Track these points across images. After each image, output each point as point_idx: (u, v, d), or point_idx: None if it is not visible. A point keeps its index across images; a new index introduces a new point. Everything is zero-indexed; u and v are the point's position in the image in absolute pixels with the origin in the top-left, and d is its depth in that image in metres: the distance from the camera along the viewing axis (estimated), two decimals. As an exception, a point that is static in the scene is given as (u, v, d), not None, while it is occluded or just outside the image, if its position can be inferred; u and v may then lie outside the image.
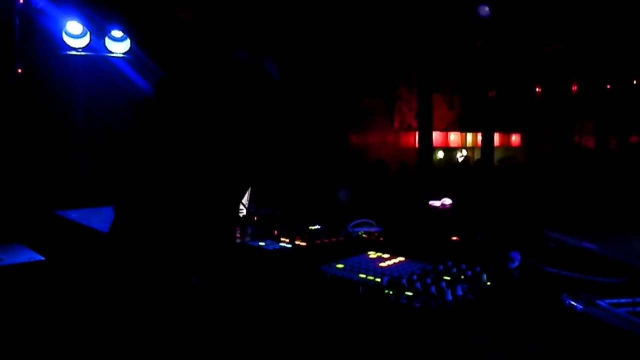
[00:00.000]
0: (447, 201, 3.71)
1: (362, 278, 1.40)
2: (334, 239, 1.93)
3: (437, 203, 3.67)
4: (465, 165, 9.70)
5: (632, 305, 1.12)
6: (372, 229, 2.15)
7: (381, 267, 1.53)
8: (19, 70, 3.89)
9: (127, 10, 4.08)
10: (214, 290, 1.35)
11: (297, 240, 1.87)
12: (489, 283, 1.35)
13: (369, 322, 1.21)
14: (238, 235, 1.97)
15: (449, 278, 1.38)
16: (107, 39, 4.20)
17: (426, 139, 8.26)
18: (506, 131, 11.38)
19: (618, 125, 10.18)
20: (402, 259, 1.62)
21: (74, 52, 4.07)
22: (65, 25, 3.95)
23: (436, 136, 9.66)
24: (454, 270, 1.44)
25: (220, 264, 1.35)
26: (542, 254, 1.58)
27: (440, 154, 10.62)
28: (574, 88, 10.19)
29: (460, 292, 1.23)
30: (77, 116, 4.63)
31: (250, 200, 2.65)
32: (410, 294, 1.25)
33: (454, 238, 1.97)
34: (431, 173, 8.22)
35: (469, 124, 10.71)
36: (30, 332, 1.24)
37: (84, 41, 4.05)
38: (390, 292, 1.27)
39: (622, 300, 1.13)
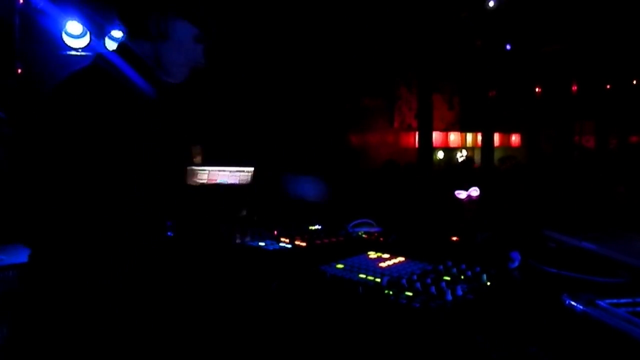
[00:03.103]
0: (475, 192, 3.61)
1: (362, 278, 1.40)
2: (334, 239, 1.93)
3: (462, 194, 3.59)
4: (468, 166, 9.66)
5: (632, 305, 1.12)
6: (372, 229, 2.15)
7: (381, 267, 1.53)
8: (19, 70, 3.89)
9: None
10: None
11: (297, 240, 1.87)
12: (489, 283, 1.35)
13: (369, 322, 1.21)
14: (238, 235, 1.97)
15: (449, 278, 1.38)
16: (107, 39, 4.19)
17: (426, 139, 8.26)
18: (506, 131, 11.38)
19: (618, 125, 10.18)
20: (402, 259, 1.62)
21: (74, 52, 4.07)
22: (65, 25, 3.95)
23: (436, 136, 9.65)
24: (454, 270, 1.44)
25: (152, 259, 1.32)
26: (542, 254, 1.58)
27: (440, 154, 10.61)
28: (574, 88, 10.20)
29: (460, 292, 1.23)
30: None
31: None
32: (410, 294, 1.25)
33: (454, 238, 1.97)
34: (432, 173, 8.22)
35: (469, 124, 10.70)
36: (30, 332, 1.24)
37: (84, 41, 4.05)
38: (390, 292, 1.27)
39: (622, 300, 1.13)
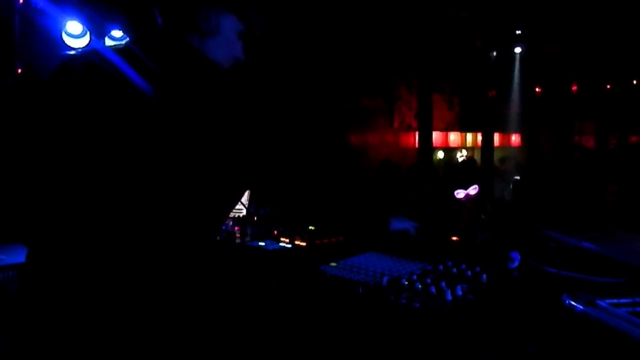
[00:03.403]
0: (473, 190, 3.52)
1: (362, 278, 1.40)
2: (334, 239, 1.93)
3: (461, 194, 3.48)
4: (471, 167, 9.63)
5: (632, 305, 1.12)
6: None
7: (381, 267, 1.53)
8: (19, 70, 3.89)
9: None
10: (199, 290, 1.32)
11: (297, 240, 1.87)
12: (488, 283, 1.35)
13: (369, 322, 1.21)
14: (238, 235, 1.97)
15: (449, 278, 1.38)
16: (107, 39, 4.20)
17: (426, 139, 8.26)
18: (506, 131, 11.39)
19: (618, 125, 10.19)
20: (402, 258, 1.62)
21: (73, 52, 4.07)
22: (65, 25, 3.95)
23: (436, 136, 9.65)
24: (454, 270, 1.44)
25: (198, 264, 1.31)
26: (542, 254, 1.58)
27: (440, 154, 10.61)
28: (574, 88, 10.20)
29: (460, 292, 1.23)
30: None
31: (250, 200, 2.66)
32: (410, 294, 1.25)
33: (454, 238, 1.97)
34: (432, 173, 8.22)
35: (469, 124, 10.71)
36: (30, 332, 1.24)
37: (84, 41, 4.05)
38: (390, 292, 1.27)
39: (622, 300, 1.13)
